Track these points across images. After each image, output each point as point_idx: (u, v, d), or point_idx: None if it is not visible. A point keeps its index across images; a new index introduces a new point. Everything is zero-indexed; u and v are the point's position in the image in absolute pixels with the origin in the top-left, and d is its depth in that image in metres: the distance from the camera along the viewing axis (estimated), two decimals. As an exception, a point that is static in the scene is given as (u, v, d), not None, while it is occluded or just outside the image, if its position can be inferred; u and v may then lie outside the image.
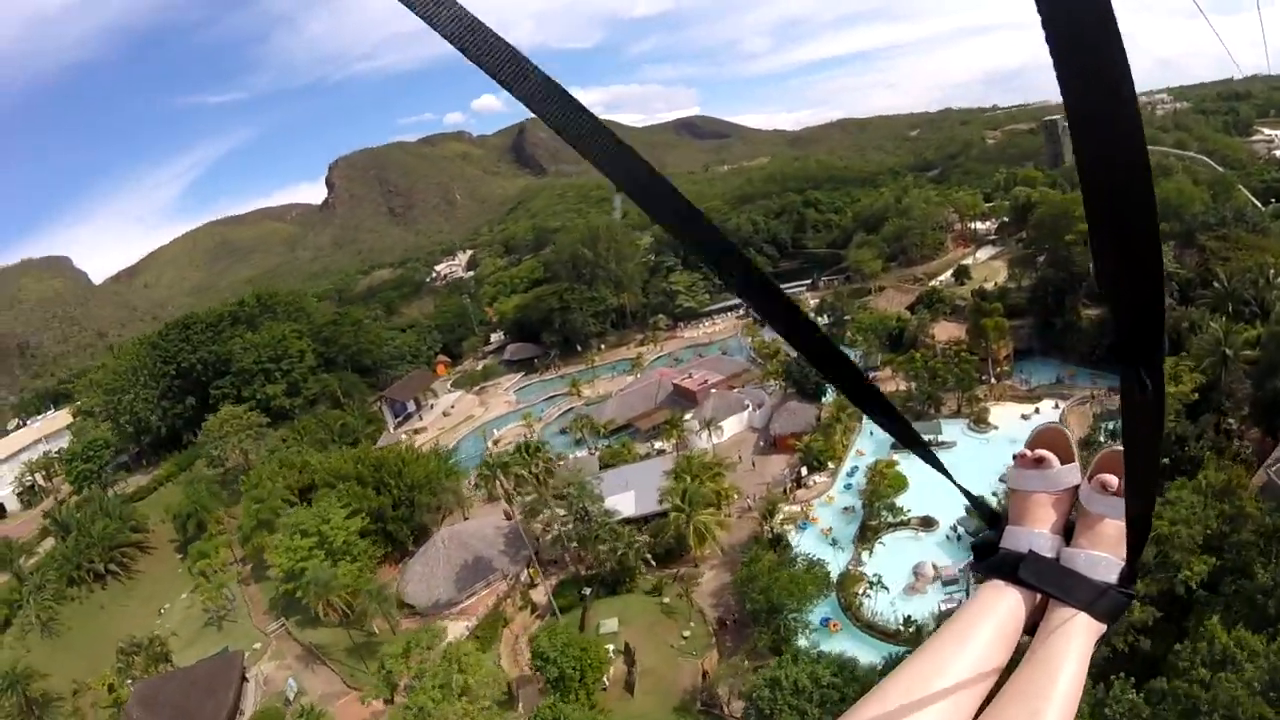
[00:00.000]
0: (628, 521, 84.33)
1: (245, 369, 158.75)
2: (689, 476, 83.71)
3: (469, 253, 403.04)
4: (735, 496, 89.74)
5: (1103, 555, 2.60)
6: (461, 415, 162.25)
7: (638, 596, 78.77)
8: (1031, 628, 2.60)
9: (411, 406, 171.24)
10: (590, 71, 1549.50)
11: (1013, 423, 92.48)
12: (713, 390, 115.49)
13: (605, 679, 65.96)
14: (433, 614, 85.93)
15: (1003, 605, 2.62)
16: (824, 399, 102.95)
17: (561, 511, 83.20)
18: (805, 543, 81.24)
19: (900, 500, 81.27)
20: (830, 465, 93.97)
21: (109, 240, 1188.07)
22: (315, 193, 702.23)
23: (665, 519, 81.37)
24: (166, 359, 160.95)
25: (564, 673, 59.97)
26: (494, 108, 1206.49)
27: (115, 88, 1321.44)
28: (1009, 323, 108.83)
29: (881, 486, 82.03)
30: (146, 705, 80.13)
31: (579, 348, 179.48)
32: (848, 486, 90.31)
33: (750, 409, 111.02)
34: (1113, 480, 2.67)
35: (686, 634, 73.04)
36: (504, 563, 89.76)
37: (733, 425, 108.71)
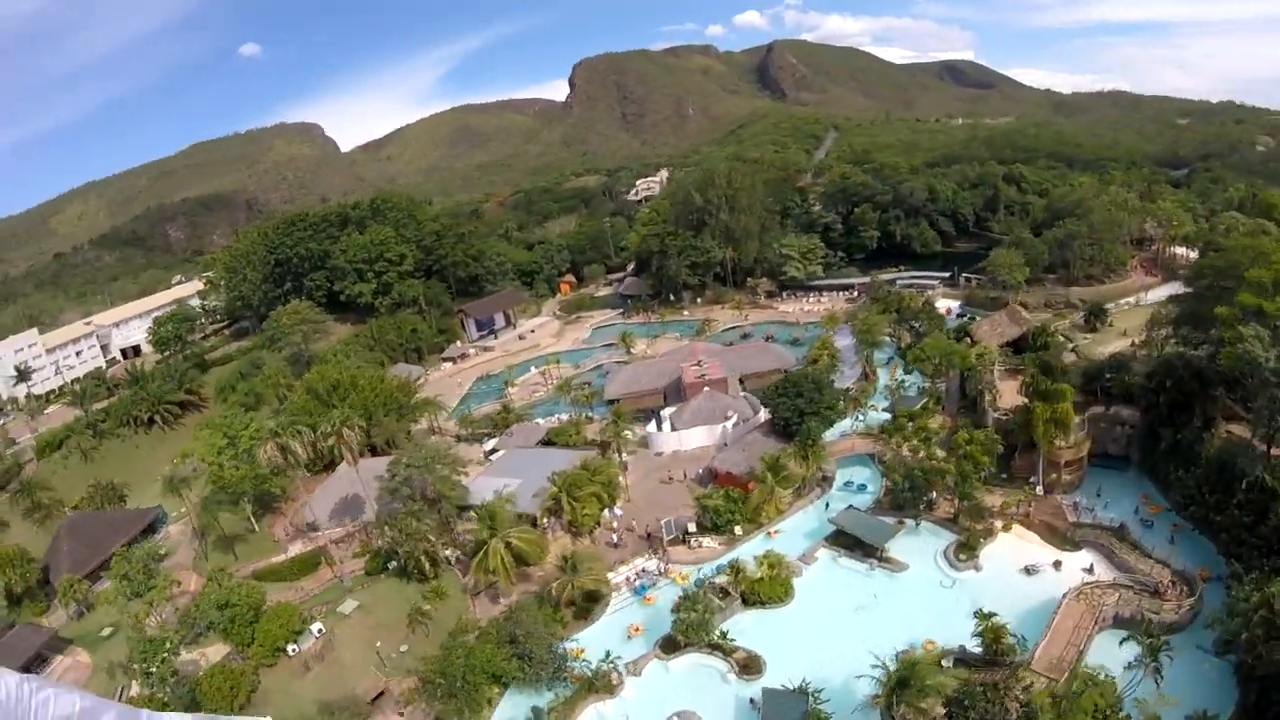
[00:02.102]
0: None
1: (339, 266, 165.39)
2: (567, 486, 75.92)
3: (667, 172, 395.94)
4: (604, 520, 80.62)
5: None
6: (531, 343, 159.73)
7: (414, 590, 73.72)
8: None
9: (501, 322, 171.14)
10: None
11: (1007, 565, 67.41)
12: (706, 389, 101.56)
13: (294, 647, 66.73)
14: (309, 536, 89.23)
15: None
16: (809, 440, 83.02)
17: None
18: (610, 624, 66.70)
19: (766, 620, 64.08)
20: (737, 531, 76.09)
21: (364, 114, 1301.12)
22: (559, 91, 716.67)
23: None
24: (271, 249, 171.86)
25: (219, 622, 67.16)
26: (754, 24, 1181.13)
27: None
28: (1103, 411, 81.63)
29: (741, 584, 66.40)
30: (74, 532, 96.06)
31: (671, 297, 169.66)
32: (719, 569, 70.69)
33: (734, 420, 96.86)
34: None
35: (404, 648, 67.14)
36: (372, 511, 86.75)
37: (700, 436, 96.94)
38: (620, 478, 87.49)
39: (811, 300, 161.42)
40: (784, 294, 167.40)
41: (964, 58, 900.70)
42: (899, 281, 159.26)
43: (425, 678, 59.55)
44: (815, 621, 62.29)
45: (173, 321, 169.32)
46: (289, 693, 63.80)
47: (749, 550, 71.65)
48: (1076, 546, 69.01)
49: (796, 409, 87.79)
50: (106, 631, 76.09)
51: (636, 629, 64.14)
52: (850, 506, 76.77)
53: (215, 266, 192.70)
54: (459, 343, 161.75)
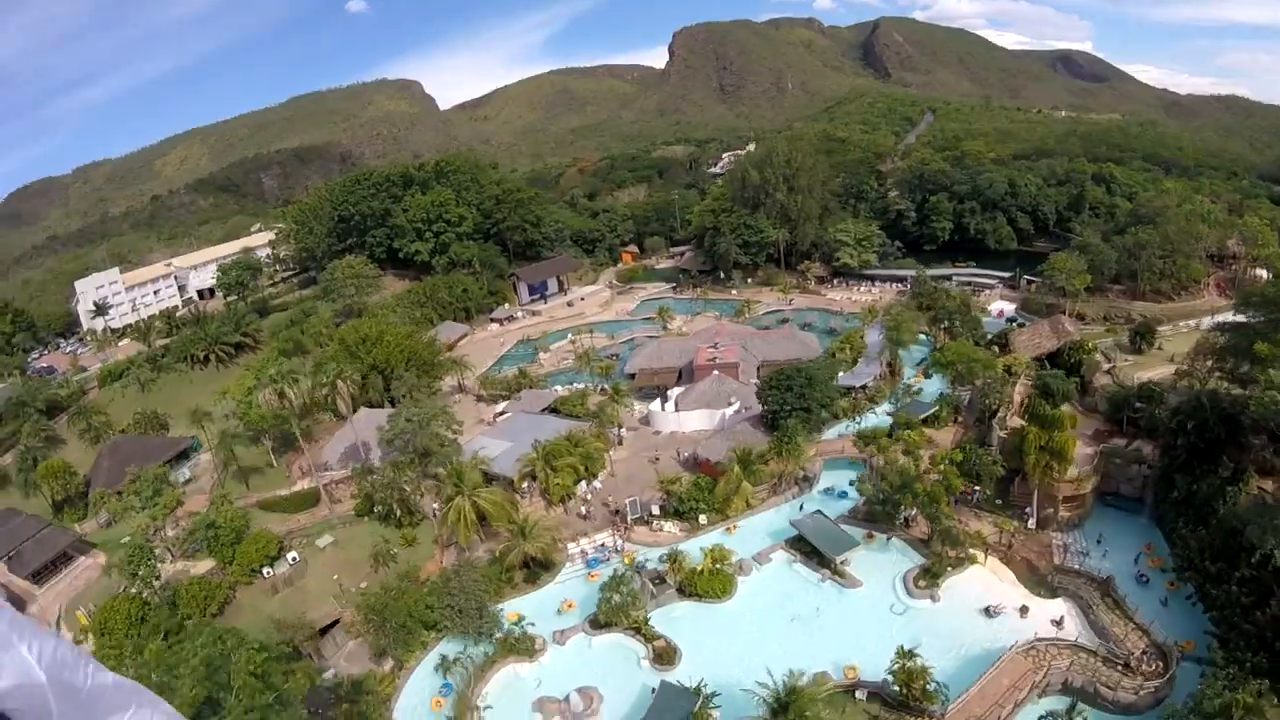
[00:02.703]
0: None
1: (398, 225, 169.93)
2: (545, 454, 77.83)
3: (754, 145, 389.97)
4: (578, 492, 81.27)
5: None
6: (578, 311, 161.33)
7: (390, 534, 77.35)
8: None
9: (553, 288, 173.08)
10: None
11: (969, 601, 62.19)
12: (715, 372, 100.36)
13: (269, 570, 74.01)
14: (316, 475, 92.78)
15: None
16: (786, 436, 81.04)
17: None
18: (555, 592, 67.77)
19: (698, 614, 62.97)
20: (702, 520, 74.69)
21: (465, 73, 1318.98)
22: (660, 58, 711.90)
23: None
24: (335, 204, 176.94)
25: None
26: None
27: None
28: (1119, 446, 74.52)
29: (680, 575, 65.29)
30: (114, 452, 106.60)
31: (722, 275, 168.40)
32: (667, 555, 69.27)
33: (735, 407, 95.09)
34: None
35: (364, 585, 70.03)
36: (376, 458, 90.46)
37: (700, 419, 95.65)
38: (609, 452, 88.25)
39: (863, 289, 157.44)
40: (835, 281, 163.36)
41: (1080, 48, 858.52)
42: (955, 278, 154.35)
43: (364, 612, 62.73)
44: (746, 623, 61.03)
45: (237, 268, 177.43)
46: (256, 609, 69.75)
47: (708, 540, 69.84)
48: (1053, 594, 62.78)
49: (783, 403, 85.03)
50: (126, 539, 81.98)
51: (569, 604, 64.77)
52: (818, 511, 73.19)
53: (285, 218, 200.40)
54: (507, 305, 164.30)
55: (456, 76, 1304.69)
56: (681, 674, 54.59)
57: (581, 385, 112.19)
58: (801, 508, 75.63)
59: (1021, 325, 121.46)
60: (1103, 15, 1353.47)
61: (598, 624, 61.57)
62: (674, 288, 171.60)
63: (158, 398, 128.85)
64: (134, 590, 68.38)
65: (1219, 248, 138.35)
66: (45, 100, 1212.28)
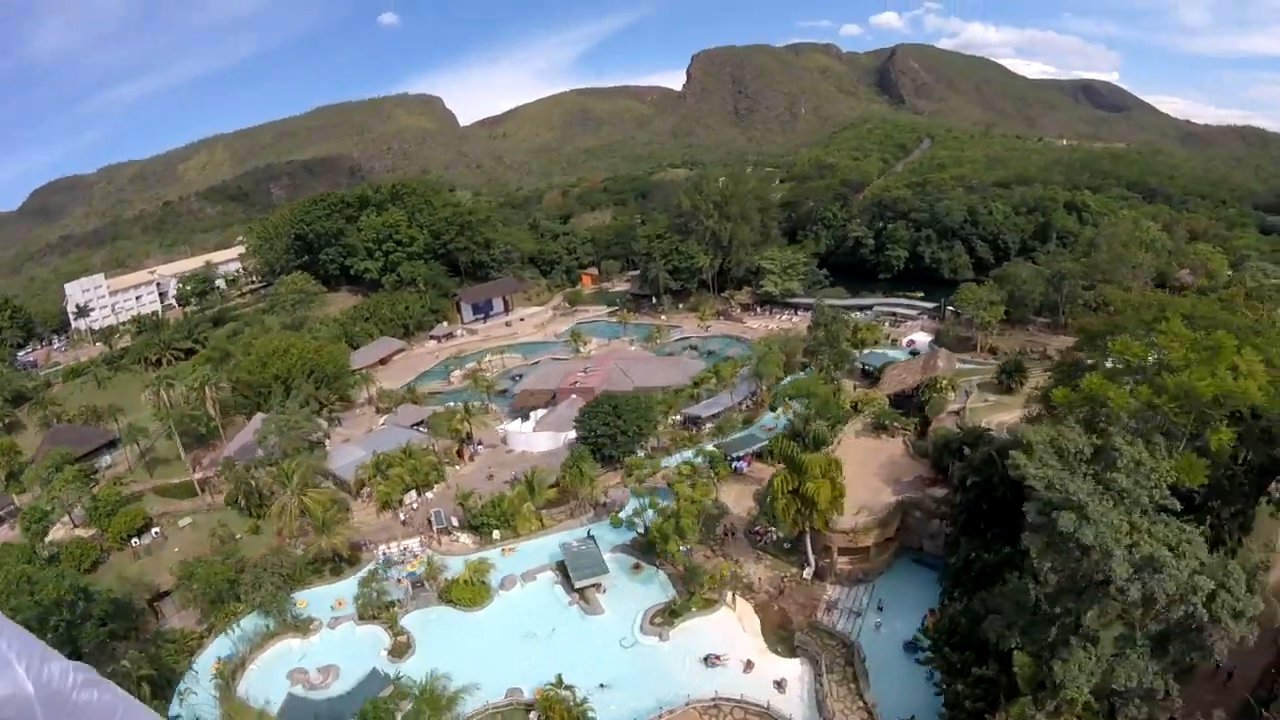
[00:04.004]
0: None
1: (351, 244, 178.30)
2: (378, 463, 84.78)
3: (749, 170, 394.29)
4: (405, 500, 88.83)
5: None
6: (513, 331, 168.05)
7: (239, 520, 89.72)
8: None
9: (499, 307, 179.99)
10: (1003, 7, 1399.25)
11: (695, 647, 61.24)
12: (573, 395, 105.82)
13: (136, 540, 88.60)
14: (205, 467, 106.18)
15: None
16: (575, 462, 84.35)
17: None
18: (351, 585, 73.37)
19: (449, 618, 68.18)
20: (495, 535, 78.76)
21: (489, 89, 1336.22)
22: (680, 80, 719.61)
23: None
24: (293, 223, 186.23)
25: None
26: (891, 26, 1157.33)
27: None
28: (913, 498, 70.86)
29: (436, 581, 71.12)
30: (54, 438, 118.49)
31: (655, 300, 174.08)
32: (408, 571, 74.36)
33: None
34: None
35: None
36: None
37: (547, 441, 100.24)
38: (457, 465, 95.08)
39: (784, 318, 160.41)
40: (760, 308, 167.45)
41: (1106, 78, 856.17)
42: (877, 308, 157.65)
43: (180, 577, 72.68)
44: (485, 633, 66.37)
45: (194, 280, 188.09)
46: (119, 570, 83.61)
47: (491, 554, 75.07)
48: (792, 652, 60.11)
49: (591, 430, 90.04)
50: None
51: (339, 602, 71.32)
52: (590, 537, 75.23)
53: (251, 234, 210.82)
54: (446, 323, 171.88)
55: (482, 93, 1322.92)
56: (411, 667, 60.94)
57: (462, 404, 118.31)
58: (589, 533, 76.90)
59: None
60: (1131, 46, 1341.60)
61: (364, 615, 68.31)
62: (612, 312, 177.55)
63: (111, 394, 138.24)
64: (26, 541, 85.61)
65: (1163, 276, 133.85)
66: (80, 98, 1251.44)
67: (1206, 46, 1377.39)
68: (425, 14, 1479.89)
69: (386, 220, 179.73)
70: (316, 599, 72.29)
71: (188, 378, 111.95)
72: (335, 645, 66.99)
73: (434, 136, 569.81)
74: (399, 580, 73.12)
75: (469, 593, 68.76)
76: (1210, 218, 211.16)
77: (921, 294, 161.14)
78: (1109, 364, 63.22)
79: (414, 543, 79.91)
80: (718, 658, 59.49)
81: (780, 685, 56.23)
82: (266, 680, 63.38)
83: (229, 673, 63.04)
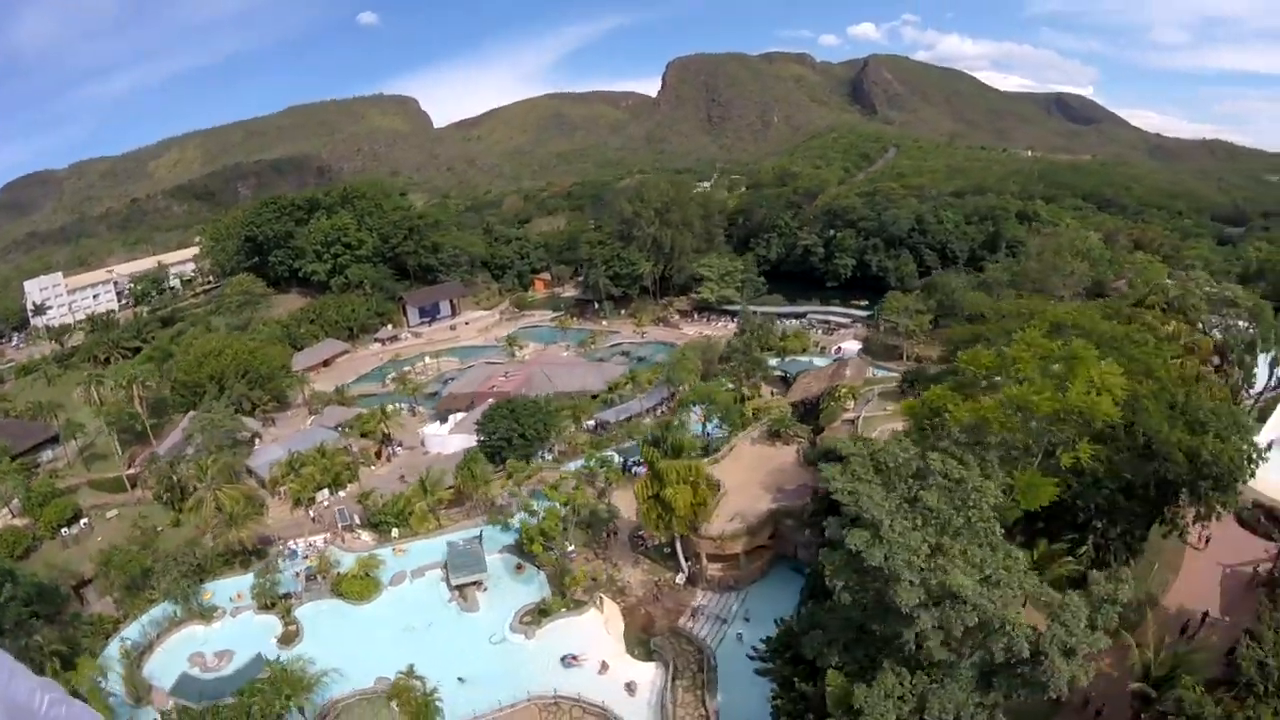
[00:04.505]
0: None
1: (299, 247, 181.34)
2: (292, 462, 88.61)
3: (712, 180, 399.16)
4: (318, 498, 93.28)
5: None
6: (457, 334, 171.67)
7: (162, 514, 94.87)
8: None
9: (445, 311, 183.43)
10: (980, 21, 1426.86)
11: (557, 647, 64.00)
12: (490, 400, 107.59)
13: (67, 530, 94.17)
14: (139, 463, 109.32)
15: None
16: (468, 464, 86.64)
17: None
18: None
19: (339, 610, 71.92)
20: (394, 533, 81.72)
21: (467, 91, 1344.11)
22: (655, 86, 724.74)
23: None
24: (245, 225, 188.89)
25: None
26: (869, 36, 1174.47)
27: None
28: (771, 510, 70.43)
29: (328, 575, 74.84)
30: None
31: (596, 305, 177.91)
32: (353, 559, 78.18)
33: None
34: None
35: None
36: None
37: (459, 443, 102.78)
38: (372, 466, 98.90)
39: (719, 324, 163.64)
40: (697, 315, 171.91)
41: (1081, 92, 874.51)
42: (810, 315, 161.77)
43: (98, 565, 77.07)
44: (369, 625, 70.52)
45: (144, 281, 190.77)
46: (48, 558, 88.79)
47: (383, 552, 78.62)
48: (649, 656, 61.87)
49: (492, 433, 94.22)
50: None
51: (239, 595, 75.32)
52: (476, 537, 78.20)
53: (204, 236, 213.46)
54: (391, 326, 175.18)
55: (461, 95, 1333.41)
56: (297, 653, 64.86)
57: (379, 406, 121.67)
58: (480, 534, 79.44)
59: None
60: (1107, 62, 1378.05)
61: (262, 606, 72.29)
62: (555, 317, 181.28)
63: (60, 390, 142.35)
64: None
65: (1100, 285, 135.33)
66: (57, 93, 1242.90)
67: (1182, 63, 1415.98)
68: (405, 15, 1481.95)
69: (335, 223, 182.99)
70: (224, 589, 76.55)
71: (116, 377, 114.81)
72: (234, 632, 71.55)
73: (406, 138, 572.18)
74: (296, 574, 76.89)
75: (358, 586, 72.88)
76: (1165, 228, 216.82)
77: (866, 302, 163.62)
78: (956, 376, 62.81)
79: (319, 539, 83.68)
80: (575, 658, 61.74)
81: (630, 688, 58.23)
82: (170, 662, 68.16)
83: (136, 655, 67.66)
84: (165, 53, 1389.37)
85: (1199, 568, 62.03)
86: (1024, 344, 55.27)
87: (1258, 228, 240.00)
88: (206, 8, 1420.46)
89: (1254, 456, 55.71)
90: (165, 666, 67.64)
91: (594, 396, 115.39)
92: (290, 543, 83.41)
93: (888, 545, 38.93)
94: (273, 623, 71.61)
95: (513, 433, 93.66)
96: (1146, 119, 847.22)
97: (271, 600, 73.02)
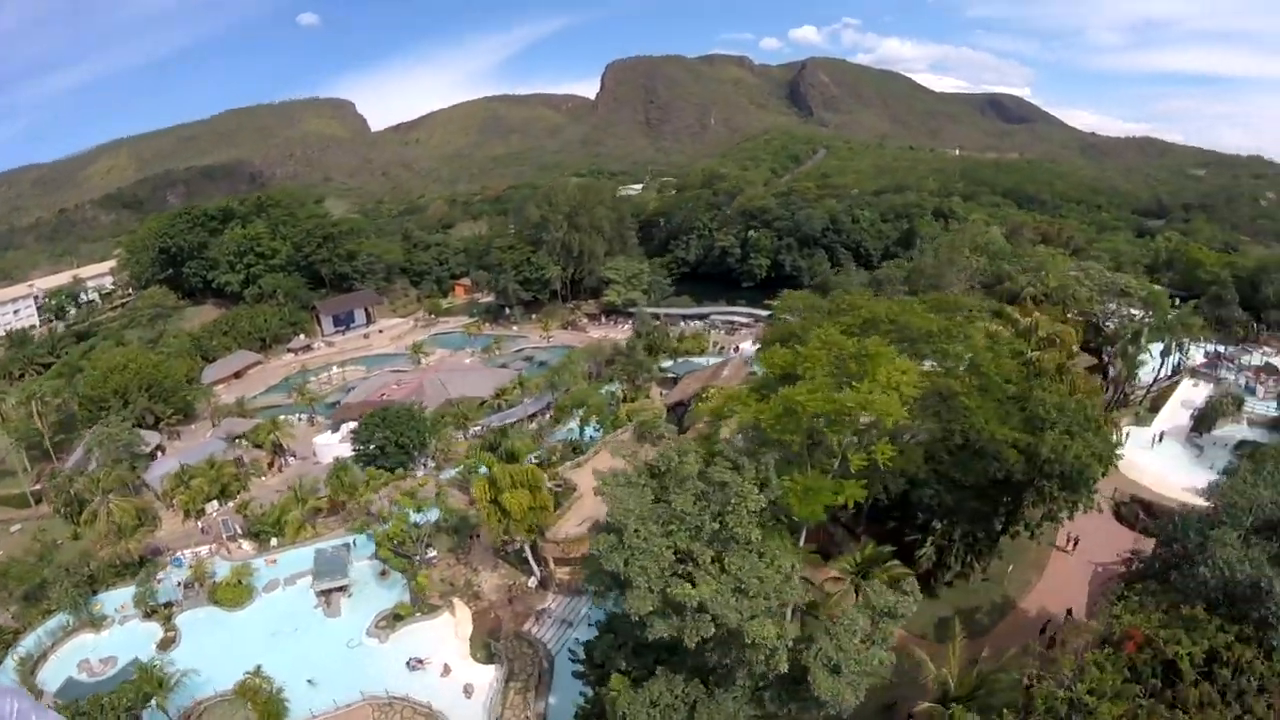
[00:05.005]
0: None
1: (212, 258, 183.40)
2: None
3: (643, 184, 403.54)
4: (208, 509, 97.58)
5: None
6: (370, 343, 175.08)
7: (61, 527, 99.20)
8: None
9: (360, 319, 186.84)
10: (919, 24, 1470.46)
11: (406, 649, 66.46)
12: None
13: None
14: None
15: None
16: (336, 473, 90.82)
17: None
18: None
19: (214, 617, 75.08)
20: (274, 541, 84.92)
21: (408, 94, 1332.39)
22: (597, 89, 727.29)
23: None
24: (159, 236, 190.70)
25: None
26: (810, 40, 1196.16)
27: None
28: None
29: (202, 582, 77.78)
30: None
31: (507, 310, 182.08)
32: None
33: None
34: None
35: None
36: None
37: (349, 452, 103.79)
38: (262, 477, 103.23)
39: (626, 327, 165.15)
40: (605, 318, 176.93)
41: (1018, 93, 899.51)
42: (714, 316, 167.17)
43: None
44: (240, 630, 73.57)
45: (58, 296, 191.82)
46: None
47: (257, 561, 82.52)
48: (491, 659, 63.55)
49: (367, 440, 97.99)
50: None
51: (124, 605, 78.51)
52: (344, 544, 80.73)
53: (121, 248, 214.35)
54: (304, 336, 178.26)
55: (403, 96, 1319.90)
56: (172, 657, 69.38)
57: (281, 417, 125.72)
58: (353, 542, 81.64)
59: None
60: (1044, 63, 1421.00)
61: (147, 614, 76.88)
62: (469, 323, 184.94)
63: None
64: None
65: (999, 279, 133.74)
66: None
67: (1118, 64, 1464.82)
68: (346, 15, 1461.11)
69: (248, 233, 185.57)
70: (114, 599, 79.54)
71: (18, 395, 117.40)
72: (119, 639, 74.68)
73: (341, 142, 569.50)
74: (178, 583, 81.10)
75: (231, 594, 76.86)
76: (1081, 222, 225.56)
77: (777, 302, 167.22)
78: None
79: (205, 549, 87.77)
80: (420, 661, 64.38)
81: (468, 690, 60.54)
82: (61, 669, 71.45)
83: (31, 663, 71.08)
84: (98, 54, 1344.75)
85: (1068, 567, 63.69)
86: (819, 342, 54.21)
87: (1177, 219, 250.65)
88: (143, 6, 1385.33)
89: (1106, 455, 55.43)
90: (56, 673, 71.00)
91: (481, 403, 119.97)
92: (180, 553, 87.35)
93: (629, 550, 38.83)
94: (155, 630, 74.91)
95: (386, 441, 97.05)
96: (1082, 118, 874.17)
97: (153, 608, 76.80)
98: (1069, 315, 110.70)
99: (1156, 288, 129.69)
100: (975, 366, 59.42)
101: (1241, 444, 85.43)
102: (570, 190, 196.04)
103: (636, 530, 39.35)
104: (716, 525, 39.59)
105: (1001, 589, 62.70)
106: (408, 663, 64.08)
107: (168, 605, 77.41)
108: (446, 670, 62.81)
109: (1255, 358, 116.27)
